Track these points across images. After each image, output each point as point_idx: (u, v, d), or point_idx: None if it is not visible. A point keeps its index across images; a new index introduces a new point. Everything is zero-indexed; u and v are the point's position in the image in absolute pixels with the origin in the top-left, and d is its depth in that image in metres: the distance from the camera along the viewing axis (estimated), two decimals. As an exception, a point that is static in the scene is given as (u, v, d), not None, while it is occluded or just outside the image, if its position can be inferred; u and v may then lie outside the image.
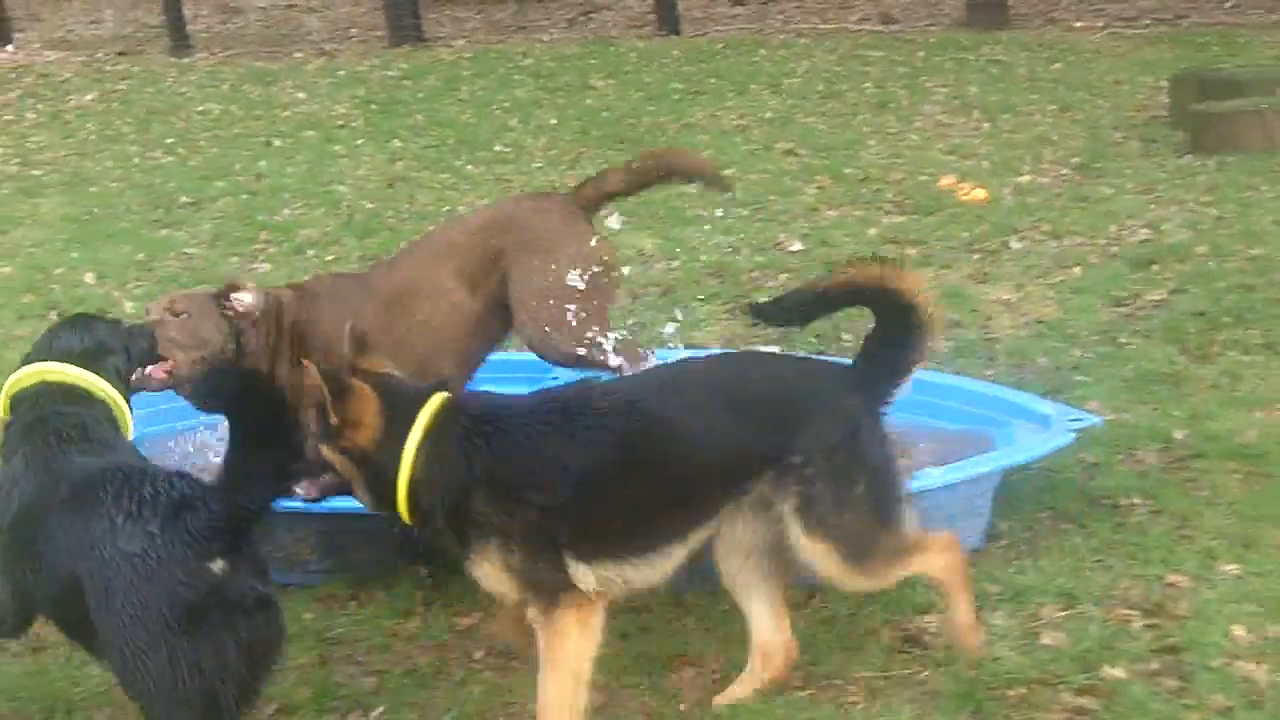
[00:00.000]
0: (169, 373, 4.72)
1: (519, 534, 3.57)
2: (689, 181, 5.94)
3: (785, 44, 16.24)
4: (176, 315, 4.83)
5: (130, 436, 4.02)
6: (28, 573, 3.63)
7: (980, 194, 9.23)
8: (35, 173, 12.06)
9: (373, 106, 13.87)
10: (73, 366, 3.91)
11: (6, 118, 14.73)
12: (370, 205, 10.12)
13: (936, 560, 3.93)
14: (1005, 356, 6.49)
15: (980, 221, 8.67)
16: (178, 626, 3.29)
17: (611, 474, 3.65)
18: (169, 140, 12.92)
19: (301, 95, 14.67)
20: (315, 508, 4.60)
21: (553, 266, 5.03)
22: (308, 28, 19.59)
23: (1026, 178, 9.71)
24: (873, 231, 8.66)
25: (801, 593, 4.44)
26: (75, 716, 4.07)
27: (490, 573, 3.63)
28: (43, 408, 3.81)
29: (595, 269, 5.08)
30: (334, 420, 3.57)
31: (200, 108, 14.36)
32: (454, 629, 4.44)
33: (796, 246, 8.42)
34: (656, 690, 4.05)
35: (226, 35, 19.64)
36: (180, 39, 18.24)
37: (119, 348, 4.07)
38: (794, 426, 3.73)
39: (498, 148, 11.89)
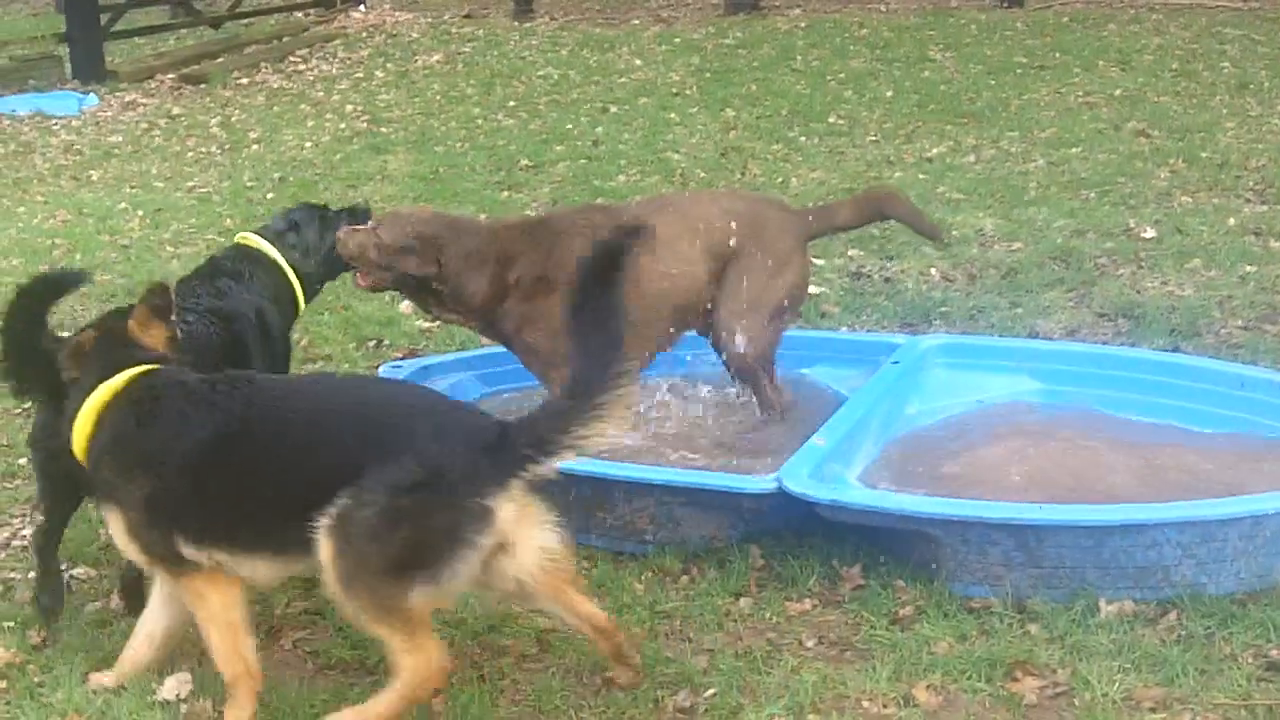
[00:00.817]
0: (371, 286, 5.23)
1: (134, 506, 3.79)
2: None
3: (1135, 18, 15.52)
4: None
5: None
6: None
7: (1354, 187, 8.59)
8: (384, 130, 12.57)
9: (707, 75, 13.89)
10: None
11: (357, 75, 15.41)
12: (703, 174, 10.13)
13: (410, 660, 3.58)
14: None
15: (1354, 217, 8.06)
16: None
17: (218, 468, 3.74)
18: (511, 103, 13.26)
19: (638, 62, 14.82)
20: (655, 479, 4.65)
21: (772, 282, 5.24)
22: (645, -5, 19.79)
23: (1407, 171, 8.98)
24: (1232, 221, 8.14)
25: (1155, 608, 4.20)
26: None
27: (115, 534, 3.91)
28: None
29: (798, 297, 5.38)
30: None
31: (540, 72, 14.69)
32: (786, 614, 4.35)
33: (1149, 233, 7.98)
34: (996, 698, 3.88)
35: (566, 1, 20.01)
36: (523, 3, 18.69)
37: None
38: (371, 463, 3.57)
39: (832, 119, 11.73)
